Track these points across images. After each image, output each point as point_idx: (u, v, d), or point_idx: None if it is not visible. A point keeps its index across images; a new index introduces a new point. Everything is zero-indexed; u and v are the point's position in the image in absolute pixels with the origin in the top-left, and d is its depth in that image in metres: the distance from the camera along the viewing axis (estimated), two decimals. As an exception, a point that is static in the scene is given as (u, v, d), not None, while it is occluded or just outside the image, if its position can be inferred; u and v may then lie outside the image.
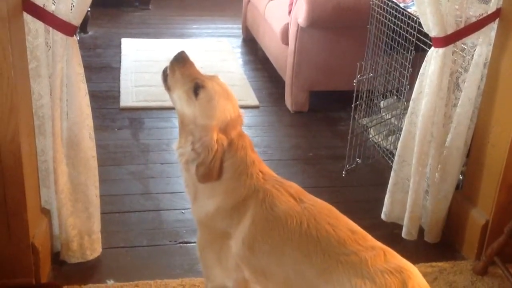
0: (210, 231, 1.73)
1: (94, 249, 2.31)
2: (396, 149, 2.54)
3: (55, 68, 1.99)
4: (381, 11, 3.21)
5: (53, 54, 1.99)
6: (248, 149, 1.70)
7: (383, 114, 3.47)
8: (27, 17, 1.93)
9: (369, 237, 1.55)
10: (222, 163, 1.65)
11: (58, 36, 1.96)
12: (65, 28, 1.95)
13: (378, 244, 1.53)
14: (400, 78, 3.08)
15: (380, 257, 1.46)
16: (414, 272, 1.45)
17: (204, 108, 1.67)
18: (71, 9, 1.95)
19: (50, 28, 1.97)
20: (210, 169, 1.63)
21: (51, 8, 1.94)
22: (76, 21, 1.97)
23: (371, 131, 3.45)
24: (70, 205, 2.20)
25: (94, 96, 3.81)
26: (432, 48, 2.30)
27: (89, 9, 4.83)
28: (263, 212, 1.61)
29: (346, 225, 1.56)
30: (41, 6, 1.91)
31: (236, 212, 1.65)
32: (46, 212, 2.23)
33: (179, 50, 1.84)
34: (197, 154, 1.65)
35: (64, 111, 2.09)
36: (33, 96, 2.04)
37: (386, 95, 3.41)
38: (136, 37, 5.17)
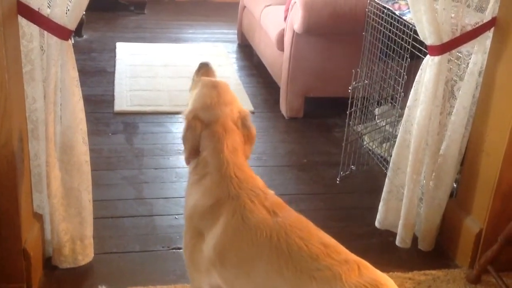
0: (188, 229, 1.73)
1: (86, 254, 2.29)
2: (391, 156, 2.54)
3: (50, 72, 1.98)
4: (376, 18, 3.22)
5: (47, 58, 1.98)
6: (226, 146, 1.67)
7: (378, 121, 3.47)
8: (21, 20, 1.91)
9: (342, 249, 1.51)
10: (196, 143, 1.69)
11: (53, 39, 1.95)
12: (60, 32, 1.94)
13: (352, 257, 1.48)
14: (395, 85, 3.09)
15: (355, 271, 1.42)
16: (390, 285, 1.41)
17: (191, 97, 1.78)
18: (66, 13, 1.94)
19: (45, 32, 1.96)
20: (184, 146, 1.70)
21: (46, 11, 1.93)
22: (71, 25, 1.96)
23: (366, 138, 3.45)
24: (63, 210, 2.18)
25: (88, 100, 3.80)
26: (428, 56, 2.30)
27: (84, 13, 4.85)
28: (234, 222, 1.59)
29: (318, 239, 1.52)
30: (36, 9, 1.90)
31: (210, 215, 1.64)
32: (38, 217, 2.21)
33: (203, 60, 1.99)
34: None
35: (58, 115, 2.07)
36: (26, 100, 2.03)
37: (381, 102, 3.41)
38: (131, 42, 5.16)
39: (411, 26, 2.79)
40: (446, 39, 2.24)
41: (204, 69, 1.90)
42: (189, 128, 1.70)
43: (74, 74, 2.04)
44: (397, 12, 3.03)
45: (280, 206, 1.63)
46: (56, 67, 1.99)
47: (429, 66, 2.29)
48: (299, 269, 1.45)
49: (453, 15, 2.23)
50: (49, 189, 2.12)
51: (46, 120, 2.03)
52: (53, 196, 2.13)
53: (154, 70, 4.50)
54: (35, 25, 1.94)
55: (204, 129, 1.69)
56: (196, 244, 1.68)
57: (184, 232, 1.77)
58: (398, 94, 3.03)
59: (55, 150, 2.10)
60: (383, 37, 3.18)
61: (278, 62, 3.96)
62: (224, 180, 1.65)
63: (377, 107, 3.47)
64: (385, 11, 3.12)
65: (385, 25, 3.12)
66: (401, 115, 2.52)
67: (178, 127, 3.61)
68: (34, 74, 2.01)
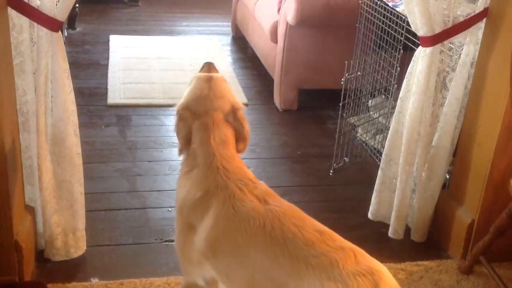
0: (179, 222, 1.73)
1: (78, 247, 2.29)
2: (384, 148, 2.54)
3: (40, 63, 1.97)
4: (370, 10, 3.21)
5: (37, 50, 1.97)
6: (213, 138, 1.67)
7: (371, 113, 3.47)
8: (11, 12, 1.90)
9: (337, 236, 1.50)
10: (188, 134, 1.70)
11: (43, 31, 1.94)
12: (50, 23, 1.93)
13: (347, 244, 1.48)
14: (388, 77, 3.09)
15: (351, 259, 1.42)
16: (385, 273, 1.42)
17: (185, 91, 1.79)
18: (56, 4, 1.92)
19: (35, 24, 1.94)
20: (178, 138, 1.73)
21: (36, 3, 1.91)
22: (61, 16, 1.95)
23: (359, 129, 3.45)
24: (55, 203, 2.18)
25: (82, 93, 3.80)
26: (420, 47, 2.30)
27: (77, 5, 4.85)
28: (225, 212, 1.58)
29: (312, 226, 1.52)
30: (26, 1, 1.89)
31: (199, 207, 1.63)
32: (30, 210, 2.21)
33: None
34: None
35: (49, 108, 2.07)
36: (17, 92, 2.02)
37: (374, 94, 3.41)
38: (124, 34, 5.13)
39: (404, 17, 2.79)
40: (438, 30, 2.24)
41: (207, 67, 1.89)
42: (180, 120, 1.72)
43: (65, 65, 2.03)
44: (390, 4, 3.03)
45: (270, 194, 1.63)
46: (46, 59, 1.98)
47: (421, 57, 2.29)
48: (295, 256, 1.45)
49: (445, 6, 2.23)
50: (41, 181, 2.11)
51: (37, 112, 2.02)
52: (44, 188, 2.12)
53: (148, 62, 4.48)
54: (25, 17, 1.92)
55: (194, 120, 1.70)
56: (187, 236, 1.68)
57: (175, 225, 1.77)
58: (392, 86, 3.03)
59: (46, 143, 2.09)
60: (376, 28, 3.18)
61: (271, 54, 3.95)
62: (211, 171, 1.64)
63: (370, 98, 3.46)
64: (378, 2, 3.11)
65: (378, 17, 3.12)
66: (394, 107, 2.52)
67: (171, 120, 3.61)
68: (25, 66, 1.99)
